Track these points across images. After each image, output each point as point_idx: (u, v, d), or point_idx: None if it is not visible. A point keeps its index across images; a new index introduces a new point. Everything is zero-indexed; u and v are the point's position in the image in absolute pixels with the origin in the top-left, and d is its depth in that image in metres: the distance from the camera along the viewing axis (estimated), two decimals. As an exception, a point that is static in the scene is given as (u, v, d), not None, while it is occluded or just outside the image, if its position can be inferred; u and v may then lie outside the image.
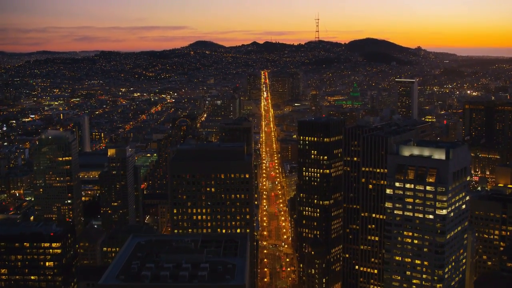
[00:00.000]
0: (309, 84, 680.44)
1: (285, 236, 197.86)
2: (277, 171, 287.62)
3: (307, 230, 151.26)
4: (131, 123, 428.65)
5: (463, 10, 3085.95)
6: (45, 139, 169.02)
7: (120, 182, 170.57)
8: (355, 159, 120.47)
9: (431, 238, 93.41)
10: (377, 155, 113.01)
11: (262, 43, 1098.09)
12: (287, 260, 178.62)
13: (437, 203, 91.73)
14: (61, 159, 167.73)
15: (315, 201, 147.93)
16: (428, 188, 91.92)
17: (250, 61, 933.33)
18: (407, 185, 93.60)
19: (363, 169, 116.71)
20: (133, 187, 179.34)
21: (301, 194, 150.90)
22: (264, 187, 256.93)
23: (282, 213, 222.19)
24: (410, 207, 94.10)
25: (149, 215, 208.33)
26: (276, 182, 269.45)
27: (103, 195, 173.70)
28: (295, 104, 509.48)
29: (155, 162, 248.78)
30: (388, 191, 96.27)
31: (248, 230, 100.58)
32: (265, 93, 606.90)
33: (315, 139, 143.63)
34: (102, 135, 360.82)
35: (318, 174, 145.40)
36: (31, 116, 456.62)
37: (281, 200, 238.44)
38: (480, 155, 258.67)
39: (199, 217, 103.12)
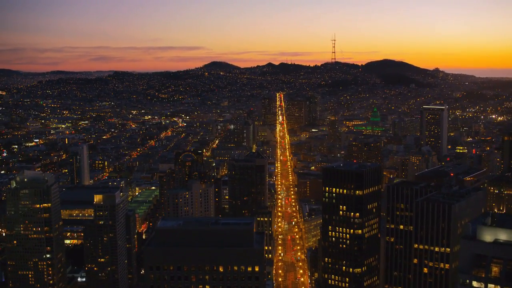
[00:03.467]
0: (326, 107, 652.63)
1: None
2: (294, 208, 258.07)
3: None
4: (139, 149, 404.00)
5: (479, 31, 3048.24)
6: (20, 182, 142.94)
7: (108, 234, 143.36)
8: (401, 227, 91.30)
9: None
10: (436, 228, 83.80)
11: (277, 64, 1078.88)
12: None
13: (536, 314, 62.15)
14: (38, 206, 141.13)
15: (344, 268, 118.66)
16: (522, 292, 62.52)
17: (265, 83, 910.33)
18: (491, 286, 64.25)
19: (416, 246, 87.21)
20: (125, 238, 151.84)
21: (326, 259, 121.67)
22: (280, 229, 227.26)
23: (301, 264, 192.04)
24: (495, 317, 64.52)
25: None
26: (293, 223, 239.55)
27: (87, 249, 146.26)
28: (312, 130, 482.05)
29: (157, 201, 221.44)
30: (461, 292, 66.87)
31: None
32: (280, 117, 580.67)
33: (345, 191, 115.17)
34: (106, 163, 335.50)
35: (348, 235, 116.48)
36: (35, 140, 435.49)
37: (299, 247, 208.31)
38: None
39: (188, 325, 74.25)
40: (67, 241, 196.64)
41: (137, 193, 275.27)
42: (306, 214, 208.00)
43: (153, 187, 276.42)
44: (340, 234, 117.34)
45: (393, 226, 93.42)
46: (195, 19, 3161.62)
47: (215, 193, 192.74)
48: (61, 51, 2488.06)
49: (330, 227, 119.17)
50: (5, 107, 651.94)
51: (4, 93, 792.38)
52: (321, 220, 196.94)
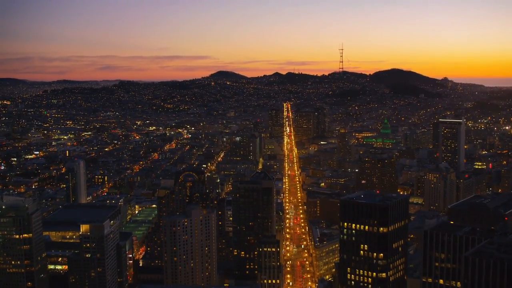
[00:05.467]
0: (335, 118, 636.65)
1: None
2: (303, 230, 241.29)
3: None
4: (141, 162, 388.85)
5: (487, 40, 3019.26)
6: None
7: (96, 268, 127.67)
8: (441, 282, 74.77)
9: None
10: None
11: (284, 73, 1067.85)
12: None
13: None
14: (18, 236, 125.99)
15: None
16: None
17: (272, 93, 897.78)
18: None
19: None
20: (116, 271, 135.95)
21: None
22: (288, 254, 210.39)
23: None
24: None
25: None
26: (302, 246, 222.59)
27: (72, 285, 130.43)
28: (321, 142, 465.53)
29: (155, 224, 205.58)
30: None
31: None
32: (288, 128, 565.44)
33: (366, 227, 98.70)
34: (106, 178, 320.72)
35: (370, 279, 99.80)
36: (36, 152, 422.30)
37: (309, 275, 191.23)
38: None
39: None
40: (59, 267, 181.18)
41: (136, 212, 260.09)
42: (317, 239, 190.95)
43: (154, 205, 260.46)
44: (361, 277, 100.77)
45: (430, 280, 77.10)
46: (201, 28, 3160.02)
47: (218, 215, 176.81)
48: (68, 60, 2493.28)
49: (349, 269, 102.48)
50: (8, 117, 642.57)
51: (9, 102, 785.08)
52: (333, 246, 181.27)
